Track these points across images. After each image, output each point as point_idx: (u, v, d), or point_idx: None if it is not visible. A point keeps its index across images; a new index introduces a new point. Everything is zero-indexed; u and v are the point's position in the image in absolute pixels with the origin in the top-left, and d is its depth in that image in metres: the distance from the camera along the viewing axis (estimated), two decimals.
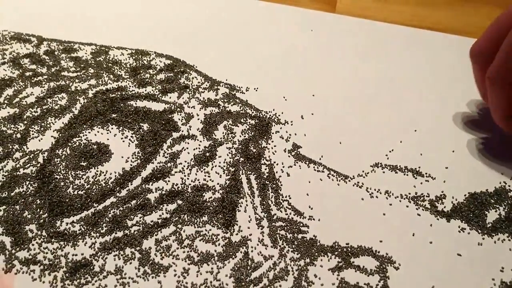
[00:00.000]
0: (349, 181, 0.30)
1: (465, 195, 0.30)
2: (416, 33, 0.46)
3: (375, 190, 0.30)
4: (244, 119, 0.35)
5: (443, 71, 0.41)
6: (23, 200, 0.28)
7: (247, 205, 0.29)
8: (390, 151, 0.33)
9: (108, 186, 0.29)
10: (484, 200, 0.29)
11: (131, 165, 0.31)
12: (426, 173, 0.31)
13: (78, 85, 0.37)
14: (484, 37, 0.31)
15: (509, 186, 0.30)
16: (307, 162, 0.32)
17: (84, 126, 0.33)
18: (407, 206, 0.29)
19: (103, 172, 0.30)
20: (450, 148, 0.33)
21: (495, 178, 0.31)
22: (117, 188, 0.29)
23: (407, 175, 0.31)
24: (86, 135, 0.33)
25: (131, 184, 0.30)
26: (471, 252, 0.27)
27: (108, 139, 0.33)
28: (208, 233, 0.27)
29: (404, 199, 0.29)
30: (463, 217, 0.28)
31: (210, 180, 0.30)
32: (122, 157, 0.31)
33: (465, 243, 0.27)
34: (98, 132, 0.33)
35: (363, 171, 0.31)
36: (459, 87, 0.39)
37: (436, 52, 0.43)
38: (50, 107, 0.35)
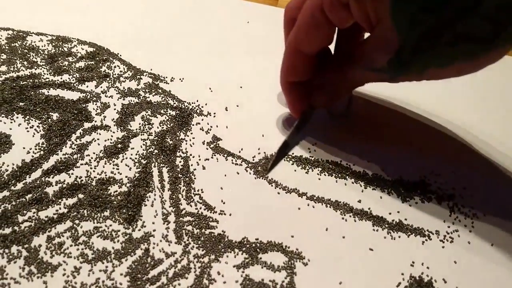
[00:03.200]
0: (267, 175, 0.29)
1: (388, 191, 0.29)
2: None
3: (292, 184, 0.29)
4: (164, 110, 0.33)
5: None
6: None
7: (155, 199, 0.27)
8: (313, 145, 0.32)
9: (3, 179, 0.27)
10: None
11: (32, 156, 0.28)
12: (347, 164, 0.30)
13: None
14: None
15: (428, 180, 0.30)
16: (225, 155, 0.30)
17: None
18: (323, 202, 0.28)
19: None
20: (374, 142, 0.32)
21: (417, 171, 0.30)
22: (12, 181, 0.27)
23: (327, 169, 0.30)
24: None
25: (29, 177, 0.27)
26: (384, 246, 0.26)
27: (10, 129, 0.30)
28: (108, 229, 0.25)
29: (321, 194, 0.28)
30: (376, 218, 0.27)
31: (118, 172, 0.28)
32: (24, 148, 0.29)
33: (378, 238, 0.26)
34: (0, 121, 0.30)
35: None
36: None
37: None
38: None
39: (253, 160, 0.30)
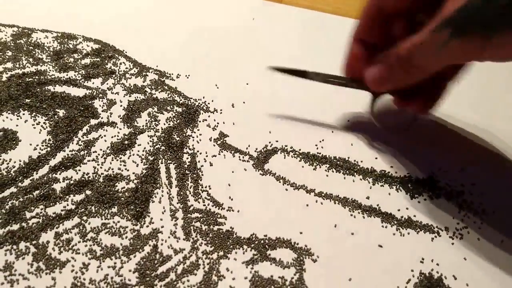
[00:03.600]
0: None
1: (396, 187, 0.29)
2: None
3: (300, 181, 0.29)
4: (171, 106, 0.33)
5: None
6: None
7: (162, 195, 0.27)
8: (320, 141, 0.31)
9: (10, 175, 0.27)
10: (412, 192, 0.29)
11: (39, 153, 0.28)
12: (355, 161, 0.30)
13: None
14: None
15: (437, 176, 0.30)
16: (232, 152, 0.30)
17: None
18: (331, 198, 0.28)
19: (6, 161, 0.28)
20: (382, 138, 0.32)
21: (426, 168, 0.30)
22: (20, 178, 0.27)
23: (335, 165, 0.30)
24: None
25: (36, 174, 0.27)
26: (393, 243, 0.26)
27: (17, 126, 0.30)
28: (116, 225, 0.25)
29: (330, 190, 0.28)
30: (385, 215, 0.27)
31: (126, 169, 0.28)
32: (31, 144, 0.29)
33: (387, 234, 0.26)
34: (7, 118, 0.30)
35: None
36: None
37: None
38: None
39: (260, 156, 0.30)
